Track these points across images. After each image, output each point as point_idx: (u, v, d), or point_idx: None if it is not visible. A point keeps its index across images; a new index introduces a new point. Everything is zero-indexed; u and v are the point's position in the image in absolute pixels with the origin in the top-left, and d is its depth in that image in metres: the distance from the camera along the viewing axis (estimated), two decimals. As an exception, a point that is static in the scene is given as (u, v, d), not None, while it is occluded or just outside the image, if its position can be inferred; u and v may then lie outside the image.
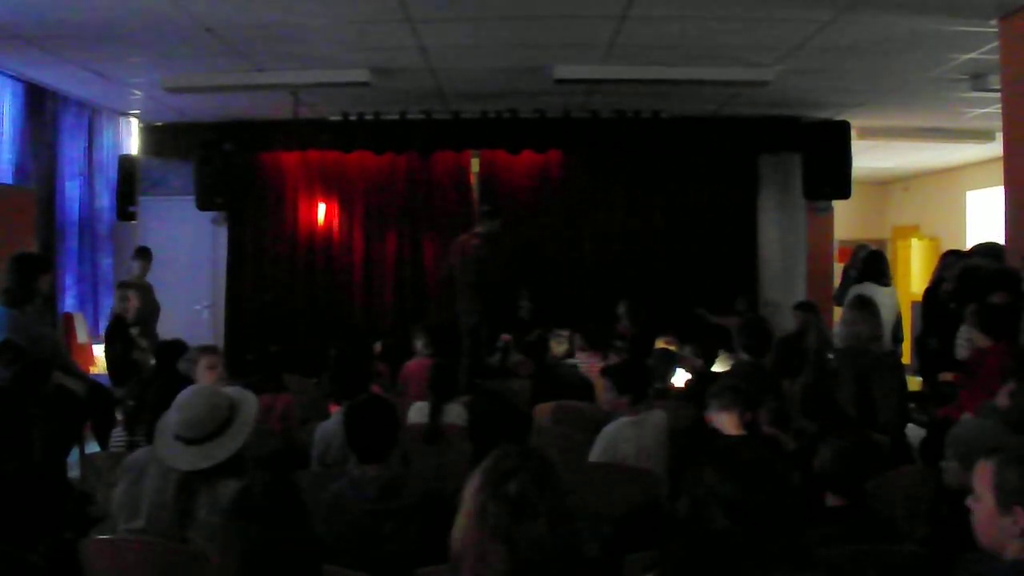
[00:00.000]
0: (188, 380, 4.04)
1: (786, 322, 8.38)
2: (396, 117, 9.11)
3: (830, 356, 6.04)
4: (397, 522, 3.06)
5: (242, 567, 1.87)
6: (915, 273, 13.52)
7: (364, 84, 7.49)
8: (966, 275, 6.09)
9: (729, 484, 1.96)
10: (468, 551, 1.87)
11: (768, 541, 1.87)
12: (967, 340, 4.91)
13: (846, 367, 4.52)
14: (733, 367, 5.15)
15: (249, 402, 3.29)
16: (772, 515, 1.90)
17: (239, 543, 1.90)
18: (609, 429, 4.44)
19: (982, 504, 2.08)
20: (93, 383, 6.24)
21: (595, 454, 4.39)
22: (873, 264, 7.52)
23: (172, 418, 3.13)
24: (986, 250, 6.26)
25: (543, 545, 1.83)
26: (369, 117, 9.10)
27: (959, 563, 2.24)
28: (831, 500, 2.82)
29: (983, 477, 2.10)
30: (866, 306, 4.80)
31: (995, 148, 9.66)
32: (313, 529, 2.04)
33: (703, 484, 1.98)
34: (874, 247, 8.22)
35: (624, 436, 4.35)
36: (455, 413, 4.89)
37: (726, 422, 3.40)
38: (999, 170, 6.44)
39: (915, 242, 14.05)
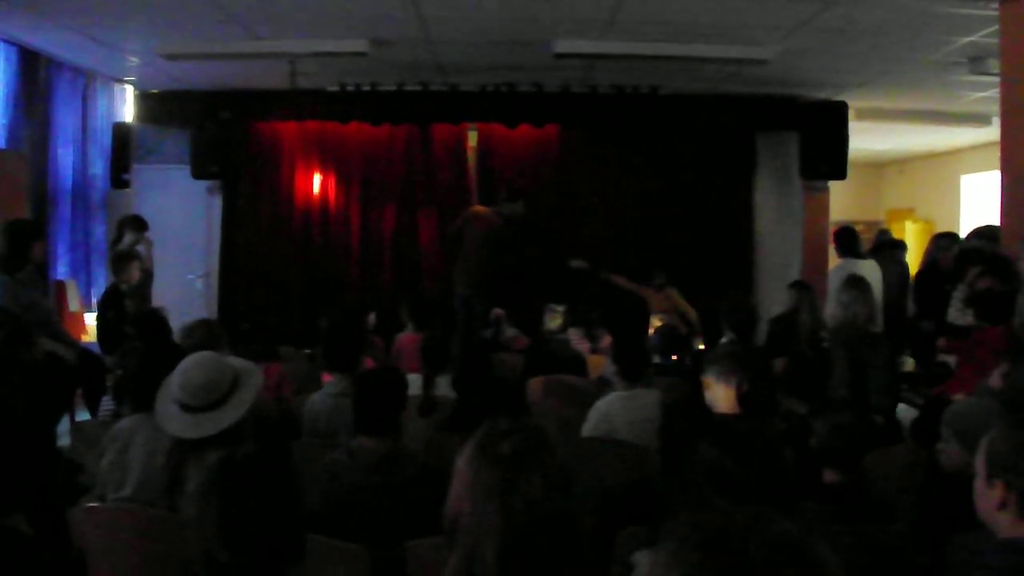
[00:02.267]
0: (176, 348, 4.00)
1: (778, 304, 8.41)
2: (393, 88, 9.05)
3: (823, 335, 6.05)
4: (394, 497, 3.05)
5: (220, 531, 1.86)
6: (909, 256, 13.52)
7: (362, 54, 7.43)
8: (963, 256, 6.11)
9: (724, 458, 1.95)
10: (463, 516, 1.85)
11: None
12: (961, 302, 4.89)
13: (839, 347, 4.51)
14: (719, 346, 5.14)
15: (253, 376, 3.26)
16: (768, 489, 1.90)
17: (217, 506, 1.88)
18: (601, 403, 4.45)
19: (978, 477, 2.09)
20: (84, 351, 6.23)
21: (587, 428, 4.39)
22: (847, 240, 7.59)
23: (174, 383, 3.11)
24: (983, 232, 6.28)
25: (538, 507, 1.80)
26: (366, 88, 9.04)
27: (950, 543, 2.25)
28: (828, 477, 2.82)
29: (980, 450, 2.10)
30: (859, 285, 4.80)
31: (990, 132, 9.67)
32: (300, 498, 2.02)
33: (698, 459, 1.98)
34: (845, 225, 8.26)
35: (616, 410, 4.36)
36: (445, 384, 4.88)
37: (721, 394, 3.38)
38: (994, 154, 6.44)
39: (909, 224, 14.07)
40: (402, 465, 3.15)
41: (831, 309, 5.35)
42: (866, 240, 9.36)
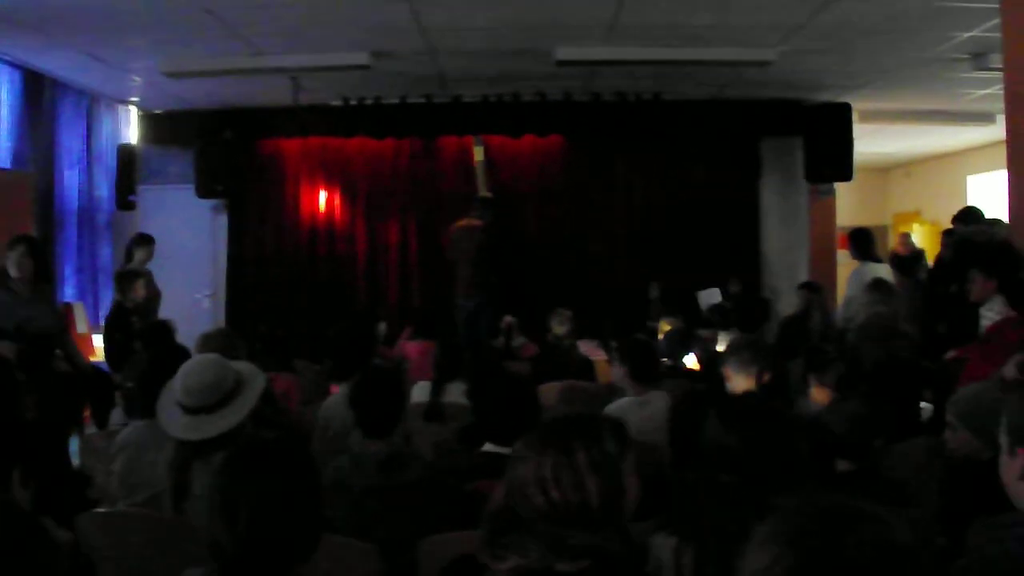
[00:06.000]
0: (181, 353, 3.96)
1: (785, 308, 8.38)
2: (396, 102, 9.07)
3: (848, 332, 5.95)
4: (399, 498, 3.00)
5: (244, 519, 1.81)
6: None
7: (364, 67, 7.44)
8: (961, 247, 6.03)
9: (732, 435, 1.92)
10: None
11: (773, 494, 1.82)
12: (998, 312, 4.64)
13: (868, 346, 4.41)
14: (731, 341, 5.11)
15: (257, 380, 3.22)
16: (776, 467, 1.86)
17: (227, 489, 1.84)
18: (612, 407, 4.42)
19: (1002, 453, 2.04)
20: (93, 368, 6.22)
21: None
22: (863, 243, 7.46)
23: (176, 385, 3.07)
24: (965, 216, 6.17)
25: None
26: (369, 102, 9.06)
27: (972, 525, 2.19)
28: (841, 466, 2.79)
29: (1002, 426, 2.05)
30: (884, 288, 4.72)
31: (995, 131, 9.62)
32: (317, 492, 1.98)
33: (707, 436, 1.94)
34: (861, 227, 8.12)
35: (627, 414, 4.31)
36: (457, 392, 4.86)
37: (742, 384, 3.35)
38: (999, 153, 6.36)
39: (916, 227, 14.01)
40: (407, 467, 3.10)
41: (850, 311, 5.23)
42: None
